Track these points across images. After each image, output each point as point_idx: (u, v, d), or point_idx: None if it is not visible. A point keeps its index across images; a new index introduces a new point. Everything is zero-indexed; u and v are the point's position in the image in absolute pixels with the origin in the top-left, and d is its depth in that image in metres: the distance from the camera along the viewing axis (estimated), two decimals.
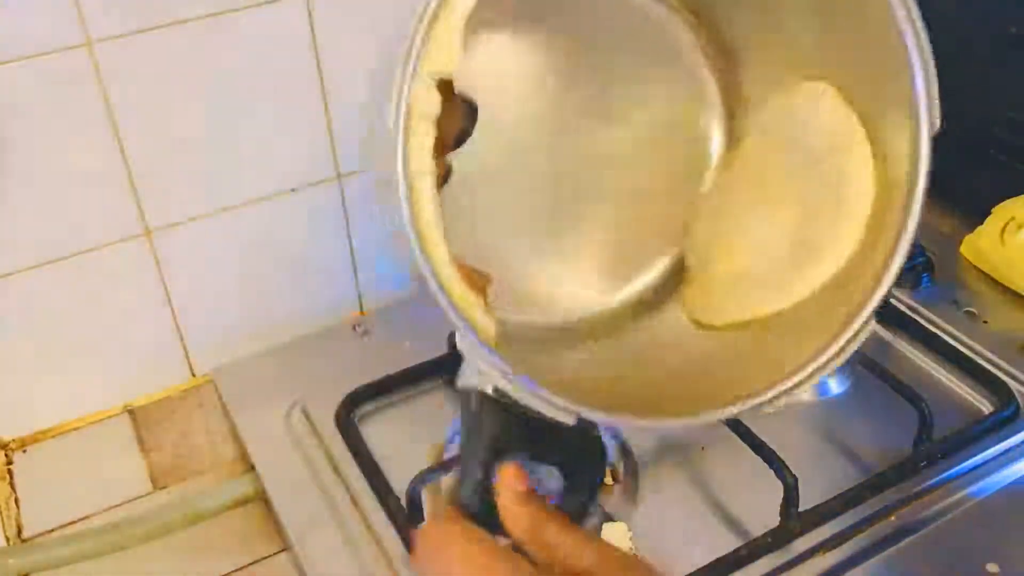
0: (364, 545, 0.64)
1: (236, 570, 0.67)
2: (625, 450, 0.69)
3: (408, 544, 0.62)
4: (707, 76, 0.60)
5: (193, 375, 0.80)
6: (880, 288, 0.48)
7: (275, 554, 0.68)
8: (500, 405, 0.45)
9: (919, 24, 0.48)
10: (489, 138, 0.55)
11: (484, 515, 0.45)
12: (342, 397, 0.72)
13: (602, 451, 0.50)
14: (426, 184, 0.44)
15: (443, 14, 0.43)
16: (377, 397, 0.73)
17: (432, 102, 0.44)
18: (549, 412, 0.45)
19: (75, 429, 0.76)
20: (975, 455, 0.67)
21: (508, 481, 0.45)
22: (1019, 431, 0.69)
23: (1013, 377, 0.73)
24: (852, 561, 0.61)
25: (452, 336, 0.74)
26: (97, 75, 0.65)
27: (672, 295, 0.60)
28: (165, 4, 0.65)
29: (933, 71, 0.49)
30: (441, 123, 0.48)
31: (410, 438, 0.71)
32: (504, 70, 0.56)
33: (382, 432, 0.72)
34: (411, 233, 0.44)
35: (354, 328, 0.82)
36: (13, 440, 0.75)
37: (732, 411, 0.47)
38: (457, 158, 0.53)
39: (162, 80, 0.67)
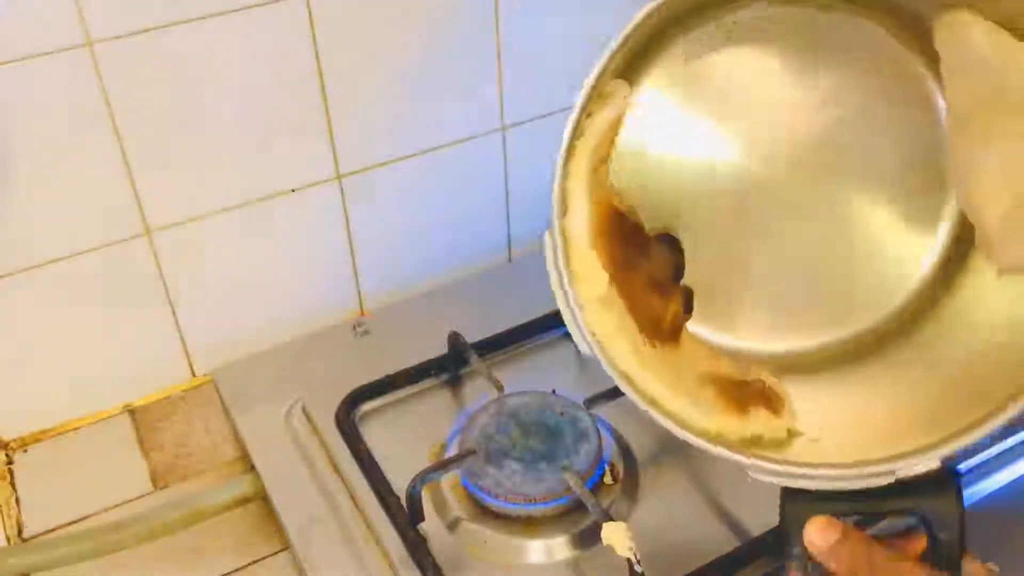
0: (364, 544, 0.64)
1: (236, 570, 0.67)
2: (625, 450, 0.69)
3: (407, 542, 0.62)
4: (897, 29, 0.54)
5: (194, 375, 0.80)
6: None
7: (275, 553, 0.68)
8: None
9: None
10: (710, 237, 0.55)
11: None
12: (342, 397, 0.72)
13: (957, 486, 0.47)
14: (638, 370, 0.49)
15: (571, 251, 0.49)
16: (377, 397, 0.74)
17: (609, 319, 0.48)
18: (861, 485, 0.46)
19: (76, 429, 0.76)
20: (974, 455, 0.67)
21: (813, 535, 0.47)
22: (1019, 431, 0.69)
23: None
24: None
25: (452, 336, 0.74)
26: (97, 75, 0.65)
27: (961, 267, 0.54)
28: (165, 4, 0.65)
29: None
30: (650, 271, 0.53)
31: (410, 438, 0.71)
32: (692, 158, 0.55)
33: (382, 432, 0.72)
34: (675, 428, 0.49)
35: (354, 328, 0.82)
36: (14, 440, 0.75)
37: None
38: (690, 282, 0.55)
39: (161, 80, 0.67)
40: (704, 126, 0.55)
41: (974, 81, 0.51)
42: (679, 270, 0.55)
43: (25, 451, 0.74)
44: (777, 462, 0.48)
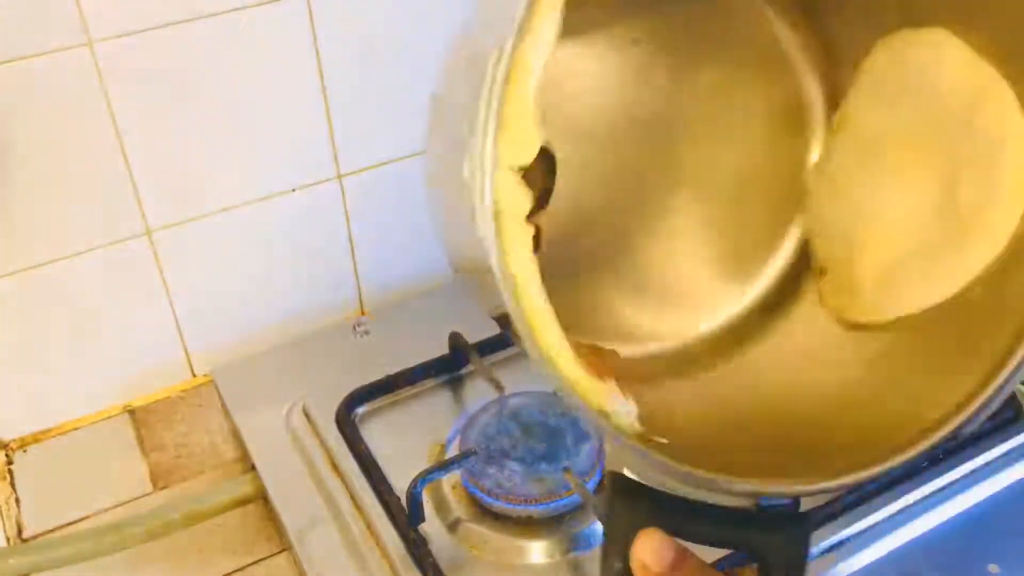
0: (364, 545, 0.64)
1: (236, 570, 0.67)
2: None
3: (407, 543, 0.62)
4: (788, 31, 0.50)
5: (193, 375, 0.80)
6: None
7: (275, 554, 0.68)
8: (636, 485, 0.40)
9: None
10: (573, 175, 0.48)
11: None
12: (342, 397, 0.72)
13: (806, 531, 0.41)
14: (531, 276, 0.39)
15: (511, 95, 0.36)
16: (377, 397, 0.73)
17: (522, 197, 0.38)
18: (717, 497, 0.39)
19: (76, 429, 0.76)
20: (975, 456, 0.67)
21: (645, 553, 0.39)
22: (1019, 432, 0.69)
23: None
24: (853, 561, 0.61)
25: (452, 336, 0.74)
26: (98, 75, 0.65)
27: (801, 293, 0.51)
28: (165, 4, 0.65)
29: None
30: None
31: (410, 438, 0.71)
32: (579, 89, 0.49)
33: (382, 432, 0.71)
34: (525, 333, 0.38)
35: (354, 328, 0.81)
36: (14, 440, 0.75)
37: (911, 453, 0.39)
38: (546, 216, 0.47)
39: (162, 80, 0.67)
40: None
41: (918, 110, 0.47)
42: (546, 193, 0.48)
43: (25, 451, 0.74)
44: (636, 440, 0.39)
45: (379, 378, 0.74)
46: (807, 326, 0.50)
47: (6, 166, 0.65)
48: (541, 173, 0.47)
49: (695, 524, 0.41)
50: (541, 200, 0.47)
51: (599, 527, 0.60)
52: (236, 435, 0.74)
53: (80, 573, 0.65)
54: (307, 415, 0.73)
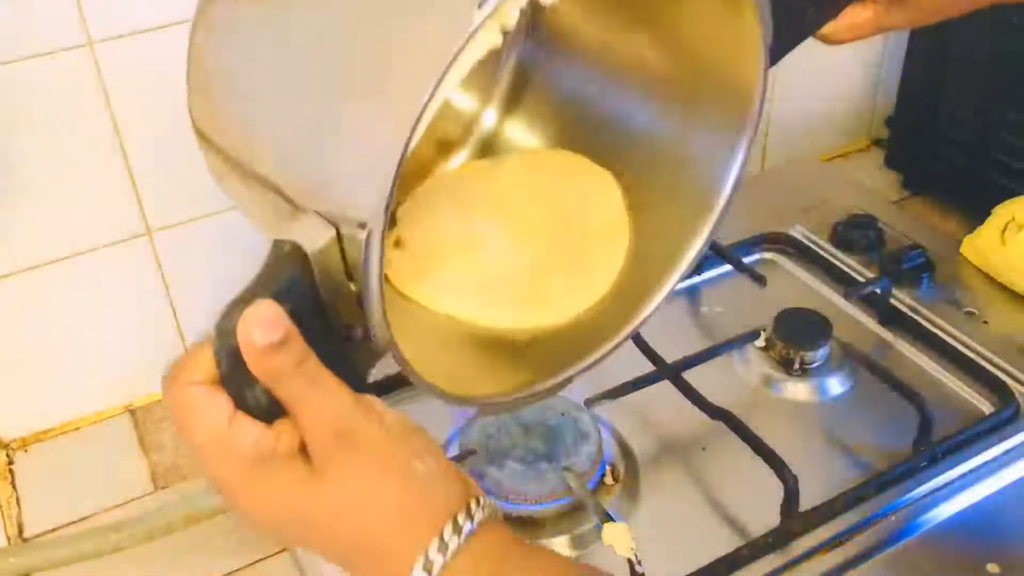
0: None
1: (236, 570, 0.67)
2: (626, 450, 0.69)
3: None
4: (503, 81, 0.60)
5: None
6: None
7: (275, 554, 0.68)
8: (305, 263, 0.38)
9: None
10: None
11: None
12: None
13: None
14: None
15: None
16: (378, 396, 0.73)
17: None
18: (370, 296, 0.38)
19: (76, 429, 0.76)
20: (975, 455, 0.67)
21: (252, 326, 0.38)
22: (1019, 432, 0.69)
23: (1013, 377, 0.73)
24: (853, 561, 0.62)
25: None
26: (98, 75, 0.65)
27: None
28: (165, 4, 0.65)
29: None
30: None
31: None
32: None
33: None
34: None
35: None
36: (15, 440, 0.75)
37: None
38: None
39: (162, 80, 0.67)
40: None
41: (544, 193, 0.58)
42: None
43: (26, 451, 0.74)
44: None
45: (379, 378, 0.74)
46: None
47: (6, 166, 0.65)
48: None
49: (318, 324, 0.39)
50: None
51: (600, 527, 0.60)
52: None
53: (80, 573, 0.65)
54: None
